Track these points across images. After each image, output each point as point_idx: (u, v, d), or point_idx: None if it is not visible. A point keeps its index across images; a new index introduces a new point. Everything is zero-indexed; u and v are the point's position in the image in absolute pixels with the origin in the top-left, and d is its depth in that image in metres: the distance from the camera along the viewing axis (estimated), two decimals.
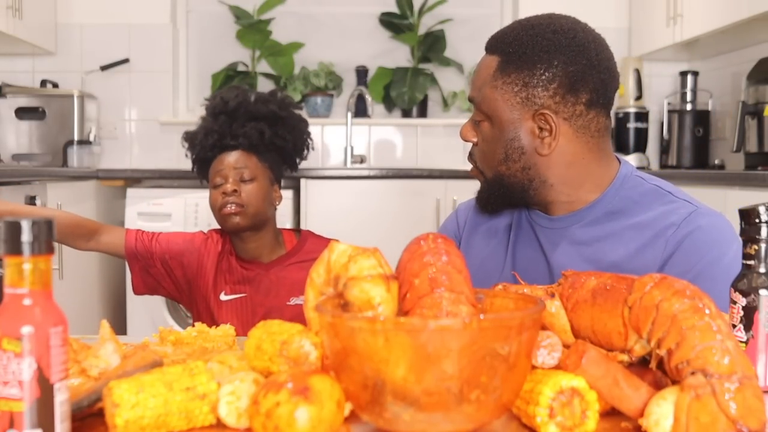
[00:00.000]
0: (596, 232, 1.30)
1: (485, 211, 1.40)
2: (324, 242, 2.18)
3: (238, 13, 4.40)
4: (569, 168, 1.29)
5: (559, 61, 1.26)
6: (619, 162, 1.36)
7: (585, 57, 1.26)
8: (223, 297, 2.17)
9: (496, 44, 1.32)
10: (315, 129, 4.34)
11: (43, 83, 4.13)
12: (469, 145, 1.38)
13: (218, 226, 2.17)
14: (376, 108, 4.47)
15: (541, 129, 1.27)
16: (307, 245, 2.19)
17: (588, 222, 1.31)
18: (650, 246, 1.25)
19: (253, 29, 4.37)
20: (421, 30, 4.43)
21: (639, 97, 4.13)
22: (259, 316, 2.14)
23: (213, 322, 2.17)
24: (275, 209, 2.17)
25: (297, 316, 2.13)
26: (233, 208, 2.05)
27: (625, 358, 0.85)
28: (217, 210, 2.09)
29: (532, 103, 1.27)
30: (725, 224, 1.27)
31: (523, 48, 1.27)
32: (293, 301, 2.14)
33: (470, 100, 1.35)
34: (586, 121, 1.28)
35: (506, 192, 1.33)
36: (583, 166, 1.30)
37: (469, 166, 1.40)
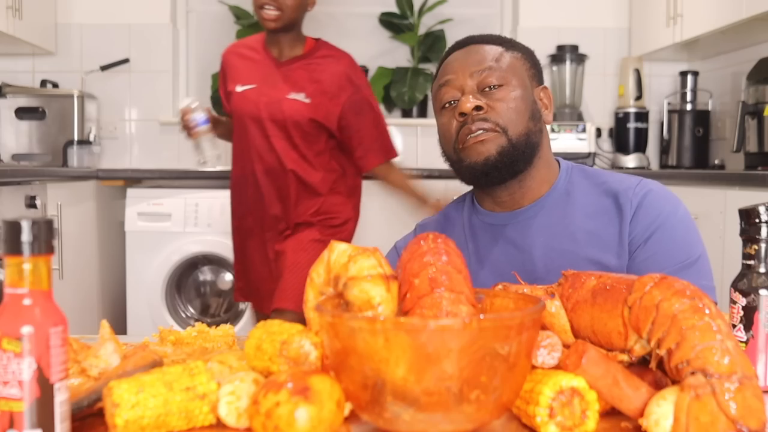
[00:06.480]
0: (561, 210, 1.38)
1: (487, 182, 1.36)
2: (335, 50, 2.56)
3: (238, 13, 4.40)
4: (548, 149, 1.42)
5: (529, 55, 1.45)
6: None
7: None
8: (238, 89, 2.59)
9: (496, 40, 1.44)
10: None
11: (43, 83, 4.13)
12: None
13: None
14: None
15: (541, 100, 1.41)
16: (320, 51, 2.53)
17: (552, 206, 1.39)
18: (618, 206, 1.34)
19: (253, 29, 4.37)
20: (421, 30, 4.43)
21: (639, 97, 4.13)
22: (261, 105, 2.55)
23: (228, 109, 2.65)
24: (305, 13, 2.55)
25: (294, 111, 2.54)
26: (271, 11, 2.46)
27: (625, 358, 0.85)
28: (257, 7, 2.49)
29: (538, 79, 1.42)
30: (668, 190, 1.40)
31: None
32: (291, 95, 2.51)
33: (482, 71, 1.35)
34: None
35: (528, 152, 1.35)
36: (550, 150, 1.43)
37: None
